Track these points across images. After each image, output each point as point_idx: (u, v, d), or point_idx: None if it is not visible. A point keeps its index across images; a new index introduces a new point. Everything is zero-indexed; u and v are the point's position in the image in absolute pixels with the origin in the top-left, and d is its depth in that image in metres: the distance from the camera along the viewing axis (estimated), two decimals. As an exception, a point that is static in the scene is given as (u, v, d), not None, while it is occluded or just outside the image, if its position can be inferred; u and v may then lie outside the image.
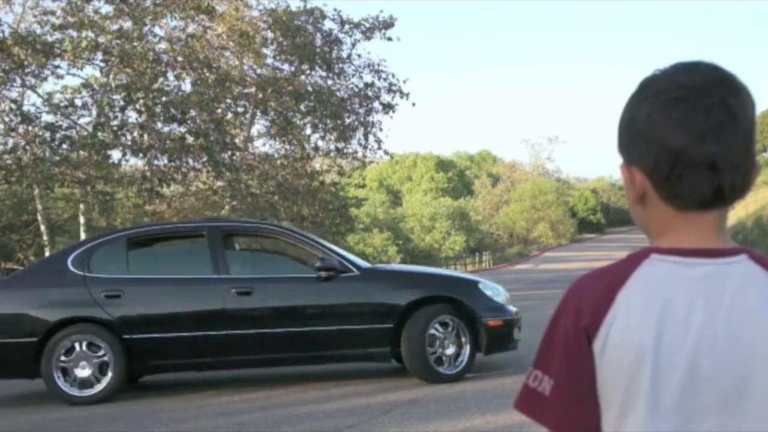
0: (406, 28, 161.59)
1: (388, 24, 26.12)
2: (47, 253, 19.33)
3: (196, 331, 7.59)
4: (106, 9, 19.70)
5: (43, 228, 19.82)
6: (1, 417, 7.23)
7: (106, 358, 7.40)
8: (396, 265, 9.05)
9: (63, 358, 7.37)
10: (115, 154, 20.33)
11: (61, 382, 7.37)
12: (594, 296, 1.12)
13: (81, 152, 19.43)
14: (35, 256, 19.50)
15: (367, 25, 26.01)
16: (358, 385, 7.72)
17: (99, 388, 7.39)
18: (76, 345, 7.40)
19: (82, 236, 19.97)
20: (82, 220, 20.03)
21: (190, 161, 21.85)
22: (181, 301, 7.78)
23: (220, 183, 23.40)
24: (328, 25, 25.77)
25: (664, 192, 1.11)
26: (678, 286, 1.08)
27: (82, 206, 19.98)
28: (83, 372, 7.39)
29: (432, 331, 7.65)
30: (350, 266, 7.88)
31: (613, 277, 1.12)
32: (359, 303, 7.75)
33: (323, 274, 7.72)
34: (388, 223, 43.54)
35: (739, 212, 40.96)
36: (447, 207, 52.00)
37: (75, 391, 7.39)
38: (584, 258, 38.62)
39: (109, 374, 7.39)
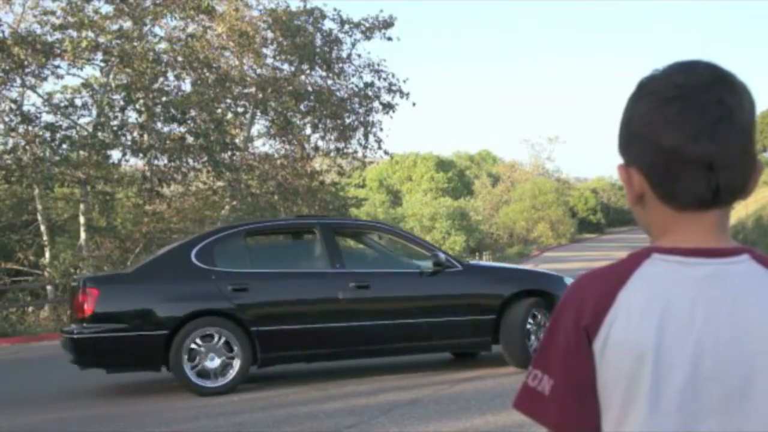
0: (406, 27, 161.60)
1: (387, 24, 26.12)
2: (47, 254, 19.34)
3: (318, 324, 7.89)
4: (106, 9, 19.71)
5: (43, 228, 19.82)
6: (1, 417, 7.23)
7: (233, 350, 7.60)
8: (486, 262, 9.93)
9: (193, 348, 7.52)
10: (115, 154, 20.35)
11: (190, 373, 7.52)
12: (594, 296, 1.11)
13: (81, 152, 19.42)
14: (35, 256, 19.50)
15: (367, 25, 26.01)
16: (358, 385, 7.72)
17: (227, 379, 7.60)
18: (206, 337, 7.58)
19: (82, 236, 19.99)
20: (82, 220, 20.02)
21: (190, 161, 21.85)
22: (304, 295, 8.08)
23: (220, 183, 23.40)
24: (328, 25, 25.78)
25: (662, 192, 1.10)
26: (679, 286, 1.08)
27: (82, 206, 19.96)
28: (212, 363, 7.56)
29: (530, 321, 8.12)
30: (455, 262, 8.42)
31: (614, 277, 1.12)
32: (464, 296, 8.21)
33: (434, 269, 8.17)
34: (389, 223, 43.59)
35: (739, 212, 40.93)
36: (447, 207, 51.94)
37: (205, 383, 7.56)
38: (584, 258, 38.58)
39: (236, 366, 7.60)
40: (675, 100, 1.08)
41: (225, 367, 7.59)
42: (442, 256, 8.34)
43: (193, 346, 7.50)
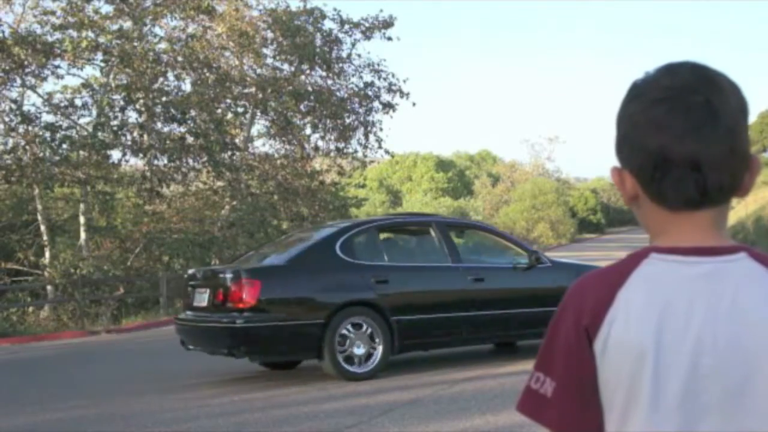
0: (406, 27, 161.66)
1: (387, 24, 26.11)
2: (47, 254, 19.34)
3: (446, 313, 8.55)
4: (106, 9, 19.72)
5: (43, 228, 19.81)
6: (1, 417, 7.22)
7: (376, 338, 8.08)
8: (567, 259, 10.75)
9: (344, 335, 7.95)
10: (115, 154, 20.35)
11: (341, 359, 7.92)
12: (594, 296, 1.12)
13: (81, 152, 19.42)
14: (35, 256, 19.49)
15: (367, 25, 26.00)
16: (358, 385, 7.72)
17: (371, 365, 8.06)
18: (355, 326, 8.04)
19: (82, 236, 19.99)
20: (82, 220, 20.02)
21: (190, 161, 21.85)
22: (434, 287, 8.78)
23: (220, 183, 23.40)
24: (327, 24, 25.77)
25: (652, 193, 1.11)
26: (678, 285, 1.08)
27: (82, 206, 19.96)
28: (359, 350, 8.02)
29: None
30: (545, 259, 9.32)
31: (614, 277, 1.12)
32: (554, 288, 8.60)
33: (529, 264, 9.02)
34: (388, 223, 43.53)
35: (739, 212, 40.92)
36: (447, 207, 51.96)
37: (351, 368, 7.98)
38: (584, 258, 38.60)
39: (379, 353, 8.08)
40: (661, 101, 1.09)
41: (369, 355, 8.05)
42: (536, 253, 9.38)
43: (344, 332, 7.97)
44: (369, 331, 8.05)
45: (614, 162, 1.18)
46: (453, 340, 8.83)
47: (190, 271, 9.21)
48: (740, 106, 1.11)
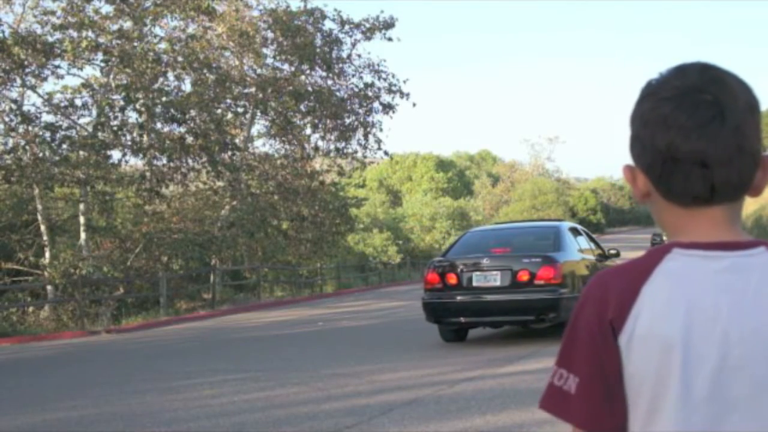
0: (407, 28, 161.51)
1: (388, 24, 26.11)
2: (47, 254, 19.33)
3: None
4: (107, 9, 19.70)
5: (43, 228, 19.80)
6: (1, 417, 7.23)
7: None
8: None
9: None
10: (115, 154, 20.34)
11: None
12: (617, 291, 1.13)
13: (81, 152, 19.41)
14: (35, 256, 19.49)
15: (368, 26, 26.00)
16: (358, 385, 7.72)
17: None
18: None
19: (82, 236, 19.99)
20: (82, 220, 20.01)
21: (190, 161, 21.85)
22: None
23: (220, 183, 23.39)
24: (328, 25, 25.79)
25: (662, 189, 1.13)
26: (702, 279, 1.10)
27: (82, 206, 19.95)
28: None
29: None
30: (613, 253, 11.95)
31: (636, 272, 1.14)
32: None
33: (602, 257, 11.56)
34: (388, 223, 43.42)
35: (739, 212, 40.90)
36: (447, 207, 51.90)
37: None
38: (584, 258, 38.55)
39: None
40: (669, 100, 1.11)
41: None
42: (607, 250, 11.92)
43: None
44: None
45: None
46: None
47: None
48: (750, 105, 1.12)
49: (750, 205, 41.90)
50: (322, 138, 27.29)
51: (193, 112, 21.30)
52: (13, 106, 19.02)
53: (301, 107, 25.59)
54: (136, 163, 22.58)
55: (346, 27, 26.02)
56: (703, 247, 1.12)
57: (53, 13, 18.97)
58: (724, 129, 1.09)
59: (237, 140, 24.49)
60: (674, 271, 1.11)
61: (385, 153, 28.18)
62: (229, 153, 22.46)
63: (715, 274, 1.10)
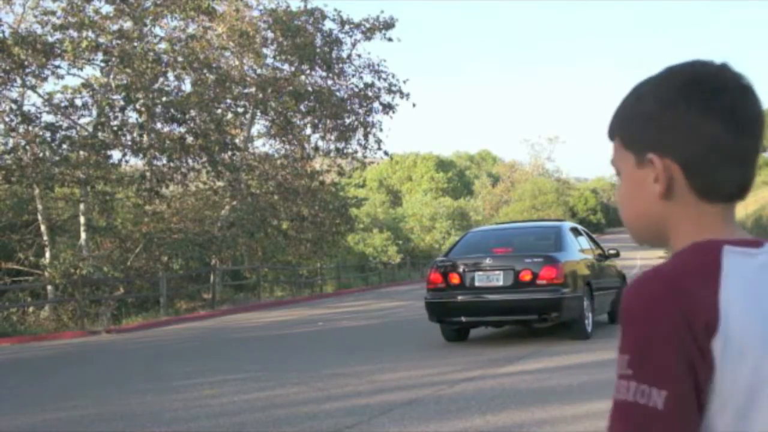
0: (407, 28, 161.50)
1: (388, 24, 26.11)
2: (47, 254, 19.33)
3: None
4: (107, 9, 19.71)
5: (43, 228, 19.80)
6: (1, 417, 7.23)
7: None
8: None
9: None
10: (115, 154, 20.34)
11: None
12: (697, 294, 1.06)
13: (81, 152, 19.41)
14: (35, 256, 19.49)
15: (368, 26, 26.00)
16: (358, 385, 7.72)
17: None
18: None
19: (82, 236, 19.99)
20: (82, 220, 20.01)
21: (190, 161, 21.84)
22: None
23: (220, 183, 23.39)
24: (328, 25, 25.78)
25: (699, 184, 1.10)
26: (756, 277, 1.09)
27: (82, 206, 19.95)
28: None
29: None
30: (612, 253, 12.50)
31: (704, 273, 1.08)
32: (617, 274, 12.64)
33: (602, 256, 12.18)
34: (388, 223, 43.44)
35: (738, 212, 40.88)
36: (447, 207, 51.93)
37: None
38: (584, 258, 38.55)
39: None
40: (724, 92, 1.10)
41: None
42: (606, 250, 12.42)
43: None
44: None
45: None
46: None
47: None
48: None
49: (750, 205, 41.91)
50: (322, 138, 27.29)
51: (193, 112, 21.30)
52: (14, 106, 19.02)
53: (301, 107, 25.59)
54: (136, 163, 22.58)
55: (346, 27, 26.02)
56: (743, 244, 1.10)
57: (53, 13, 18.97)
58: (763, 129, 1.10)
59: (237, 140, 24.48)
60: (736, 269, 1.08)
61: (385, 153, 28.19)
62: (229, 153, 22.45)
63: (759, 270, 1.08)
